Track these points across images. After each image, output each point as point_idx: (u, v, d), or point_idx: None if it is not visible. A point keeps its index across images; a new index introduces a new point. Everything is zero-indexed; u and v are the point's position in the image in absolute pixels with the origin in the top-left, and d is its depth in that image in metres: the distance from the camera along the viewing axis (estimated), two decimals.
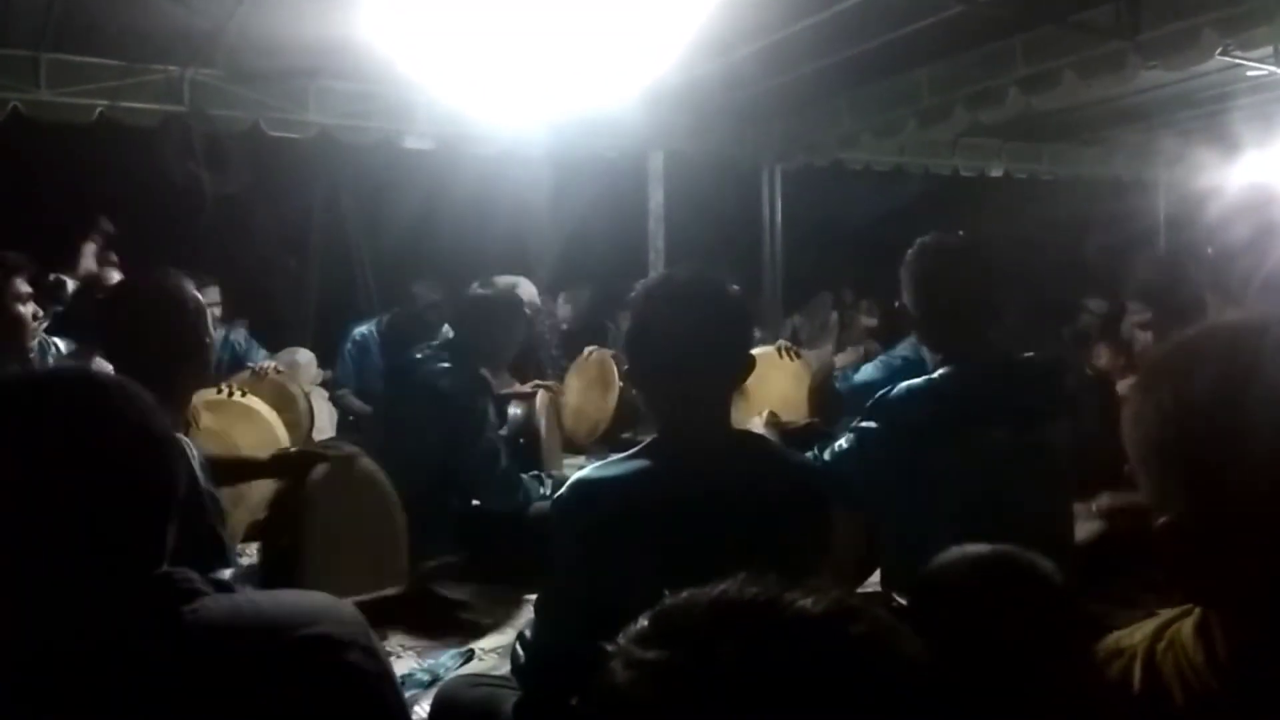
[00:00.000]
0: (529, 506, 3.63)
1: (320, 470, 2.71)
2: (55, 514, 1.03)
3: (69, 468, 1.04)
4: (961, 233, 2.50)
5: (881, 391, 2.33)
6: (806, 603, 0.67)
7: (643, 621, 0.70)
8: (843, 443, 2.32)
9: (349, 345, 5.25)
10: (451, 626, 3.30)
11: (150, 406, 1.15)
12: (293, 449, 3.28)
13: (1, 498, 1.03)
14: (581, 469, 1.80)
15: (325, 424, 5.36)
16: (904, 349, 3.30)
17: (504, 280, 3.86)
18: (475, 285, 3.87)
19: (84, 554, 1.04)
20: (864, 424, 2.30)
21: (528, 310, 3.86)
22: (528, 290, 4.85)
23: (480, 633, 3.26)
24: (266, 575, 2.67)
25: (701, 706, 0.63)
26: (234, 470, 2.87)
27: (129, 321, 2.34)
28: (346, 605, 1.17)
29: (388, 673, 1.17)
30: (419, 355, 3.81)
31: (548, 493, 3.66)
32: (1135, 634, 0.98)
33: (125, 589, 1.05)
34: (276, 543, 2.68)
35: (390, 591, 2.80)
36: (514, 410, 4.29)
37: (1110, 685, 0.95)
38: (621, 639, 0.69)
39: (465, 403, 3.56)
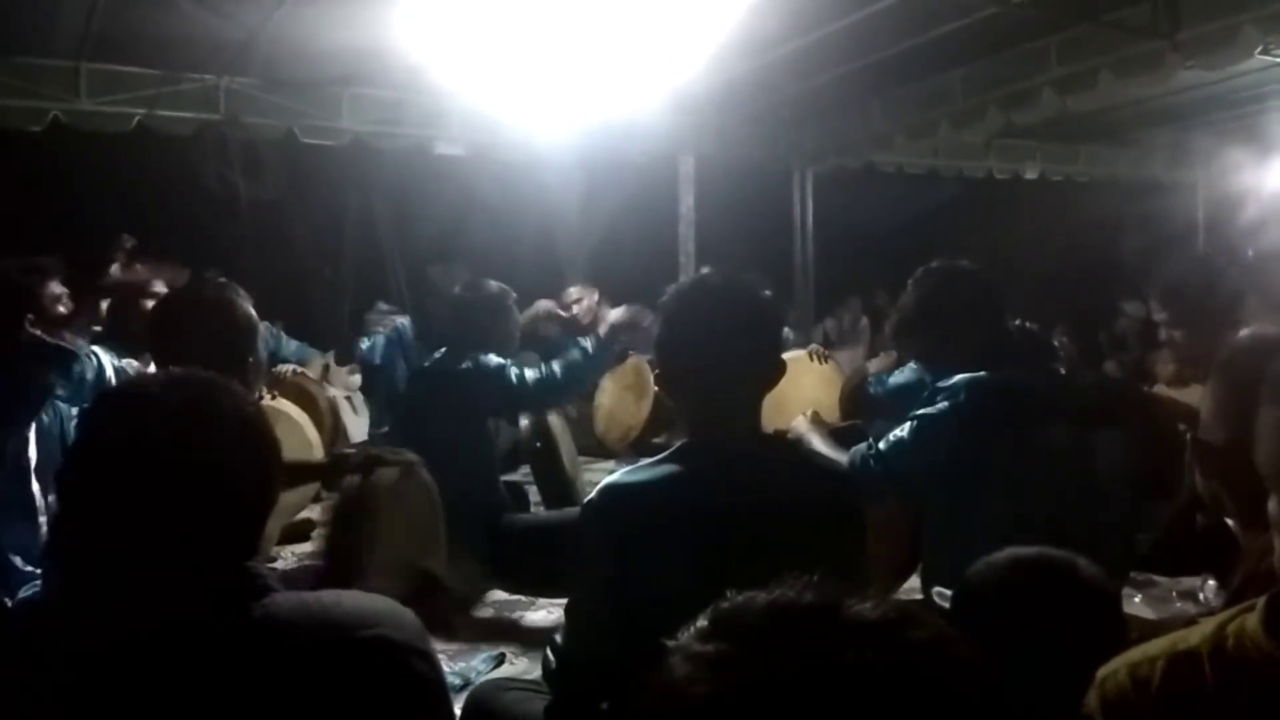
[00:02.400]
0: (573, 383, 3.81)
1: (388, 474, 2.72)
2: (161, 505, 1.08)
3: (178, 463, 1.09)
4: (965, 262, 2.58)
5: (940, 381, 2.34)
6: (864, 608, 0.66)
7: (702, 620, 0.69)
8: (900, 431, 2.32)
9: (389, 331, 5.27)
10: (479, 627, 3.32)
11: (258, 409, 1.21)
12: (349, 452, 3.28)
13: (115, 486, 1.08)
14: (611, 474, 1.80)
15: (356, 427, 5.41)
16: None
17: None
18: (458, 288, 3.99)
19: (180, 544, 1.09)
20: (924, 410, 2.31)
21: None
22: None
23: (511, 637, 3.27)
24: (328, 574, 2.67)
25: (759, 702, 0.62)
26: (289, 474, 2.88)
27: (177, 330, 2.36)
28: (406, 610, 1.19)
29: (440, 679, 1.19)
30: (434, 360, 3.89)
31: (586, 350, 3.80)
32: (1192, 636, 0.98)
33: (209, 581, 1.09)
34: (340, 542, 2.69)
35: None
36: (523, 421, 4.32)
37: (1179, 684, 0.95)
38: (679, 636, 0.69)
39: (490, 379, 3.66)
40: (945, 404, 2.28)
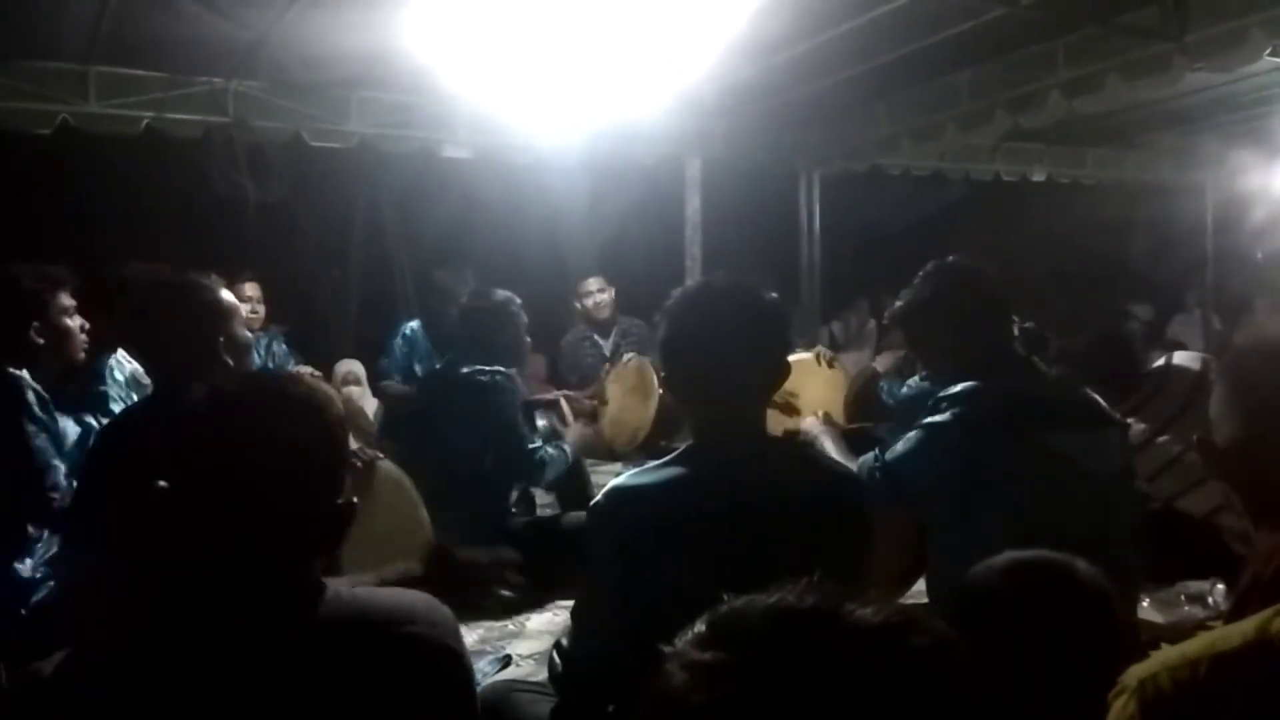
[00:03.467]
0: (557, 478, 3.98)
1: None
2: (226, 512, 1.10)
3: (244, 472, 1.10)
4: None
5: (944, 391, 2.32)
6: (865, 612, 0.66)
7: (699, 626, 0.69)
8: (904, 443, 2.32)
9: (398, 339, 5.28)
10: (486, 628, 3.33)
11: (336, 419, 1.20)
12: None
13: (187, 493, 1.10)
14: (617, 476, 1.80)
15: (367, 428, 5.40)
16: None
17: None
18: (464, 296, 4.12)
19: (240, 549, 1.10)
20: (930, 420, 2.30)
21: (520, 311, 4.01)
22: None
23: (518, 639, 3.28)
24: None
25: (758, 709, 0.62)
26: None
27: (145, 316, 2.38)
28: (440, 606, 1.21)
29: (470, 680, 1.21)
30: (449, 360, 3.96)
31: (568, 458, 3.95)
32: (1232, 638, 0.98)
33: (268, 586, 1.11)
34: None
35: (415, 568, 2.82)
36: (542, 422, 4.35)
37: (1227, 684, 0.96)
38: (677, 643, 0.69)
39: (504, 395, 3.77)
40: (949, 413, 2.27)
